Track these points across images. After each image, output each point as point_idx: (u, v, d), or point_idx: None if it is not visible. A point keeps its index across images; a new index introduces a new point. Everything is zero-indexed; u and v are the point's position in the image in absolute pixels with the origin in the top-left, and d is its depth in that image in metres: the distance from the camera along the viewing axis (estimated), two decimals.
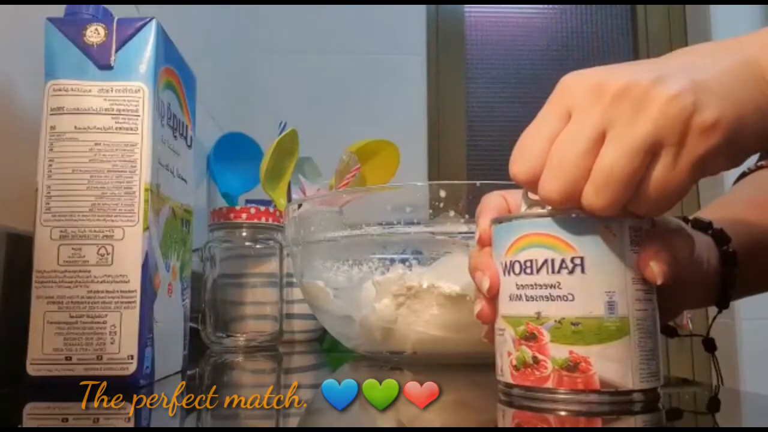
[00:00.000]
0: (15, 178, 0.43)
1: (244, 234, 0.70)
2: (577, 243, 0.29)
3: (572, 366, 0.29)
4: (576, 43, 1.79)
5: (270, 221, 0.70)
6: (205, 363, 0.58)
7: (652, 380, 0.29)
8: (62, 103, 0.39)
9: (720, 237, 0.39)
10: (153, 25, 0.41)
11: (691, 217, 0.41)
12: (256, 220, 0.69)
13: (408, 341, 0.47)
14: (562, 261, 0.29)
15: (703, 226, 0.40)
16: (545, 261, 0.30)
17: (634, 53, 1.78)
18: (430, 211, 0.48)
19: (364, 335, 0.50)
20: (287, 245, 0.63)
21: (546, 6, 1.81)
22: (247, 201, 0.92)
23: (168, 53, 0.43)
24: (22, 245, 0.39)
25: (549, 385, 0.29)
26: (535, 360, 0.30)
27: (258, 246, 0.70)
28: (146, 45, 0.40)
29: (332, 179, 0.84)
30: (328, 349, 0.72)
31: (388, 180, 0.90)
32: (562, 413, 0.29)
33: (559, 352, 0.29)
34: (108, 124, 0.39)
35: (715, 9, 1.68)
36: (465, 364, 0.47)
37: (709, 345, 0.44)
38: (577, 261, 0.29)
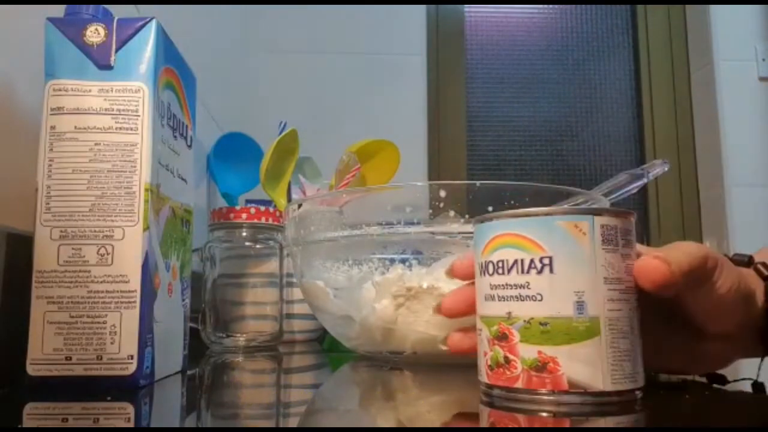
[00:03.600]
0: (15, 178, 0.43)
1: (244, 234, 0.70)
2: (546, 243, 0.29)
3: (540, 366, 0.29)
4: (576, 43, 1.79)
5: (270, 221, 0.70)
6: (205, 363, 0.58)
7: (626, 382, 0.29)
8: (62, 103, 0.39)
9: (763, 269, 0.37)
10: (153, 25, 0.41)
11: (731, 255, 0.39)
12: (256, 220, 0.69)
13: (408, 341, 0.47)
14: (531, 261, 0.30)
15: (744, 261, 0.38)
16: (515, 261, 0.30)
17: (634, 53, 1.79)
18: (430, 211, 0.48)
19: (364, 335, 0.50)
20: (287, 245, 0.63)
21: (546, 6, 1.81)
22: (247, 201, 0.92)
23: (168, 53, 0.43)
24: (22, 245, 0.39)
25: (519, 385, 0.29)
26: (507, 360, 0.30)
27: (258, 246, 0.70)
28: (146, 45, 0.40)
29: (332, 179, 0.84)
30: (328, 349, 0.72)
31: (388, 180, 0.90)
32: (531, 414, 0.29)
33: (528, 352, 0.29)
34: (108, 124, 0.39)
35: (715, 9, 1.68)
36: (465, 364, 0.47)
37: (759, 388, 0.42)
38: (546, 261, 0.29)
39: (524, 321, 0.29)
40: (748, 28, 1.67)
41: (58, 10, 0.42)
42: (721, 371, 0.40)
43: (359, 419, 0.32)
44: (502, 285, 0.30)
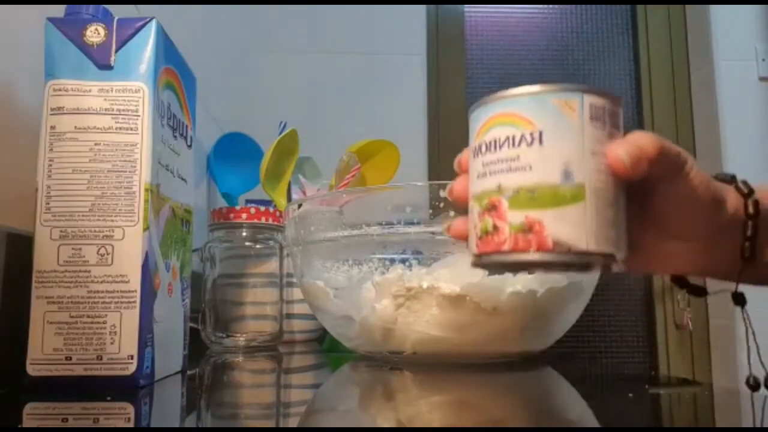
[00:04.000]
0: (15, 178, 0.43)
1: (244, 234, 0.70)
2: (537, 118, 0.31)
3: (527, 229, 0.30)
4: (576, 43, 1.79)
5: (270, 221, 0.70)
6: (205, 363, 0.58)
7: (609, 246, 0.30)
8: (62, 103, 0.39)
9: (742, 186, 0.38)
10: (153, 25, 0.41)
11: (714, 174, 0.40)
12: (256, 220, 0.69)
13: (408, 341, 0.47)
14: (522, 136, 0.31)
15: (726, 179, 0.39)
16: (507, 138, 0.31)
17: (634, 53, 1.78)
18: (430, 211, 0.48)
19: (364, 335, 0.50)
20: (287, 245, 0.63)
21: (546, 6, 1.81)
22: (247, 201, 0.92)
23: (168, 53, 0.43)
24: (22, 245, 0.39)
25: (506, 248, 0.30)
26: (495, 228, 0.31)
27: (258, 246, 0.70)
28: (146, 45, 0.40)
29: (332, 179, 0.84)
30: (328, 349, 0.72)
31: (388, 180, 0.90)
32: (521, 271, 0.31)
33: (516, 217, 0.30)
34: (108, 124, 0.39)
35: (715, 9, 1.68)
36: (465, 364, 0.47)
37: (739, 299, 0.42)
38: (536, 134, 0.30)
39: (513, 191, 0.30)
40: (748, 28, 1.67)
41: (58, 10, 0.42)
42: (701, 284, 0.42)
43: (359, 419, 0.32)
44: (494, 161, 0.31)
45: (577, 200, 0.29)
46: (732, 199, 0.37)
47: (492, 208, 0.31)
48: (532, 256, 0.30)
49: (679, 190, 0.34)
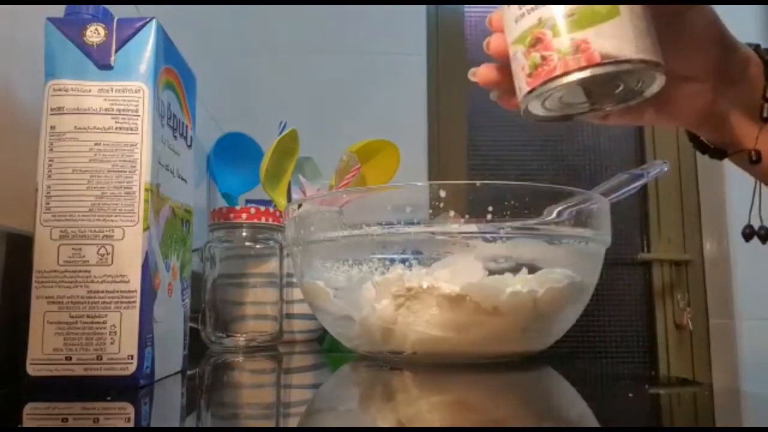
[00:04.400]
0: (15, 178, 0.43)
1: (244, 234, 0.70)
2: None
3: (574, 49, 0.32)
4: None
5: (270, 221, 0.70)
6: (205, 363, 0.58)
7: (650, 54, 0.32)
8: (62, 103, 0.39)
9: (764, 53, 0.41)
10: (153, 25, 0.41)
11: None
12: (256, 220, 0.69)
13: (408, 341, 0.47)
14: None
15: (752, 46, 0.42)
16: None
17: None
18: (430, 211, 0.48)
19: (364, 335, 0.50)
20: (287, 245, 0.63)
21: None
22: (247, 201, 0.92)
23: (168, 53, 0.43)
24: (22, 245, 0.39)
25: (558, 72, 0.32)
26: (543, 58, 0.33)
27: (258, 246, 0.70)
28: (146, 45, 0.40)
29: (332, 179, 0.84)
30: (328, 349, 0.72)
31: (388, 180, 0.90)
32: (574, 89, 0.34)
33: (562, 42, 0.32)
34: (108, 124, 0.39)
35: (715, 9, 1.68)
36: (465, 364, 0.47)
37: (756, 157, 0.44)
38: None
39: (554, 19, 0.32)
40: (748, 28, 1.67)
41: (58, 10, 0.42)
42: (720, 146, 0.45)
43: (359, 419, 0.32)
44: None
45: (613, 15, 0.32)
46: (744, 53, 0.40)
47: (537, 42, 0.33)
48: (584, 72, 0.31)
49: (693, 19, 0.37)
